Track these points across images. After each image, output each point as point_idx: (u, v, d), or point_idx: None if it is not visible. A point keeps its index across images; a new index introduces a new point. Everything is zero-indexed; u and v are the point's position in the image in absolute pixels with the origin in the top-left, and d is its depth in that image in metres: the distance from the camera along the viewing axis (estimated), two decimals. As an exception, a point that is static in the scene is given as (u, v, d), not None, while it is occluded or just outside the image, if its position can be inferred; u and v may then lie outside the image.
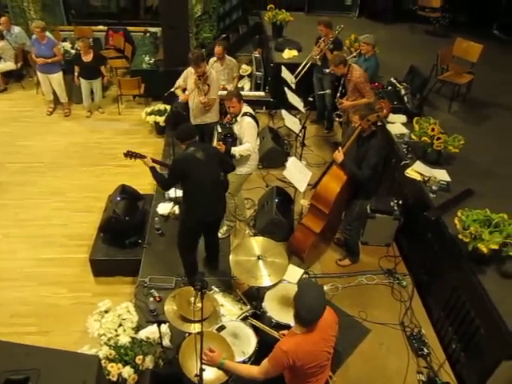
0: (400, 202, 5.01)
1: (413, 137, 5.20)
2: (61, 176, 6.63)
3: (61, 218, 5.87)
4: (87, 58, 7.49)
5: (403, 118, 5.90)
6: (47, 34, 7.51)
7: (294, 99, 6.28)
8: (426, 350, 4.04)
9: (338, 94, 5.84)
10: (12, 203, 6.12)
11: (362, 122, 4.11)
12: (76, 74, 7.65)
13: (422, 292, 4.64)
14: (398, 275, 4.79)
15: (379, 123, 4.40)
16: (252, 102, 6.61)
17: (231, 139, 4.64)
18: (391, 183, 5.49)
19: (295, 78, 6.69)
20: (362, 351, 4.06)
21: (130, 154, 4.03)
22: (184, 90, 5.80)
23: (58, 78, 7.68)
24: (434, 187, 4.65)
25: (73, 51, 8.41)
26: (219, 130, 4.68)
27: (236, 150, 4.63)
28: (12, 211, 6.00)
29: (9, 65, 8.40)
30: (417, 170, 4.91)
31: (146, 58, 8.44)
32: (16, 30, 8.46)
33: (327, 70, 6.04)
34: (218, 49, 6.22)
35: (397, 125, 5.78)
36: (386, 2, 9.36)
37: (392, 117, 5.84)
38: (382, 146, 4.29)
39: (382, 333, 4.23)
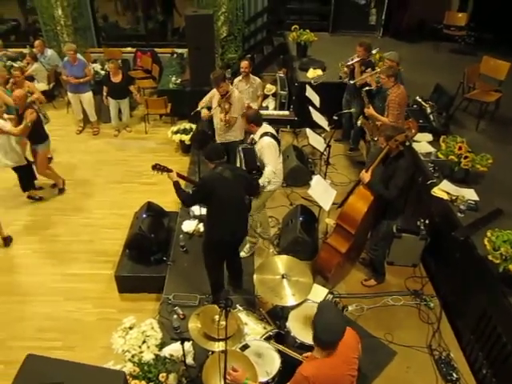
0: (427, 222, 4.92)
1: (439, 155, 5.13)
2: (88, 193, 6.79)
3: (88, 235, 5.99)
4: (116, 78, 7.70)
5: (429, 137, 5.84)
6: (78, 55, 7.79)
7: (318, 118, 6.30)
8: (455, 375, 3.92)
9: (365, 89, 5.88)
10: (40, 219, 6.28)
11: (389, 143, 4.09)
12: (105, 94, 7.87)
13: (450, 314, 4.51)
14: (425, 296, 4.68)
15: (407, 143, 4.36)
16: (276, 121, 6.70)
17: (257, 174, 4.65)
18: (417, 202, 5.41)
19: (314, 82, 6.73)
20: (388, 374, 3.96)
21: (157, 168, 4.10)
22: (209, 108, 5.91)
23: (88, 97, 7.94)
24: (461, 206, 4.56)
25: (102, 72, 8.67)
26: (241, 152, 4.72)
27: (263, 181, 4.66)
28: (40, 226, 6.14)
29: (41, 86, 8.70)
30: (444, 189, 4.83)
31: (173, 79, 8.63)
32: (49, 52, 8.81)
33: (352, 82, 6.25)
34: (244, 63, 6.28)
35: (423, 143, 5.73)
36: (410, 21, 9.38)
37: (418, 135, 5.79)
38: (409, 165, 4.25)
39: (408, 356, 4.12)
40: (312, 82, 6.86)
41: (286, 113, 7.39)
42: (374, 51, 6.42)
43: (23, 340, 4.59)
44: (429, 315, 4.51)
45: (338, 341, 2.57)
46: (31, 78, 8.63)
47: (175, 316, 4.30)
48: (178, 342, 3.60)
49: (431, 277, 4.94)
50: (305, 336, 3.51)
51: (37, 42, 8.65)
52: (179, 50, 9.48)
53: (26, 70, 8.45)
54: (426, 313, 4.54)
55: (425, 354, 4.15)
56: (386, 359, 4.08)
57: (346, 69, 6.53)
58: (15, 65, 8.70)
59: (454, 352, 4.14)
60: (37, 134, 6.11)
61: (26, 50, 9.01)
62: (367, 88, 6.05)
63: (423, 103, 6.32)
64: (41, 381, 2.16)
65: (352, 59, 6.48)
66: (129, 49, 10.02)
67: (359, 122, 6.17)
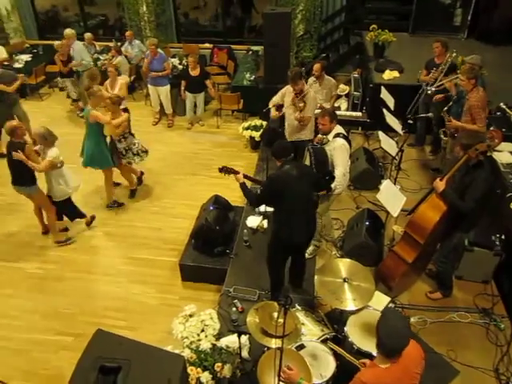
0: (502, 237, 4.63)
1: (522, 167, 4.81)
2: (160, 182, 7.06)
3: (157, 222, 6.23)
4: (194, 72, 7.94)
5: (512, 147, 5.50)
6: (159, 50, 8.13)
7: (392, 121, 6.12)
8: (523, 403, 3.67)
9: (445, 108, 5.60)
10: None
11: (469, 152, 3.88)
12: (182, 88, 8.14)
13: (522, 338, 4.23)
14: (496, 316, 4.42)
15: (488, 153, 4.12)
16: (348, 122, 6.59)
17: (330, 178, 4.58)
18: (494, 216, 5.09)
19: (408, 114, 6.53)
20: (449, 393, 3.79)
21: (224, 170, 4.17)
22: (279, 106, 5.92)
23: (165, 90, 8.28)
24: (544, 224, 4.25)
25: (180, 67, 8.97)
26: (311, 151, 4.65)
27: (335, 185, 4.60)
28: (114, 212, 6.48)
29: (123, 78, 9.17)
30: (525, 204, 4.52)
31: (247, 75, 8.78)
32: (136, 41, 9.30)
33: (433, 88, 5.99)
34: (316, 66, 6.25)
35: (504, 153, 5.39)
36: (499, 23, 8.80)
37: (500, 144, 5.45)
38: (488, 176, 4.01)
39: (472, 377, 3.92)
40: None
41: (359, 114, 7.25)
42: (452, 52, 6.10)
43: (91, 316, 4.88)
44: (498, 336, 4.26)
45: (402, 348, 2.48)
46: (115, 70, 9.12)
47: (234, 308, 4.37)
48: (235, 335, 3.67)
49: (503, 296, 4.64)
50: (363, 343, 3.44)
51: (128, 32, 9.17)
52: (255, 48, 9.60)
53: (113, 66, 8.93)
54: (494, 334, 4.29)
55: (491, 377, 3.93)
56: (447, 377, 3.89)
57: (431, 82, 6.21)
58: (101, 57, 9.27)
59: (524, 379, 3.88)
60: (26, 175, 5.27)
61: (111, 44, 9.53)
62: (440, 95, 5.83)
63: (508, 110, 5.95)
64: (108, 355, 2.29)
65: (434, 73, 6.18)
66: (206, 45, 10.28)
67: (443, 138, 5.89)
